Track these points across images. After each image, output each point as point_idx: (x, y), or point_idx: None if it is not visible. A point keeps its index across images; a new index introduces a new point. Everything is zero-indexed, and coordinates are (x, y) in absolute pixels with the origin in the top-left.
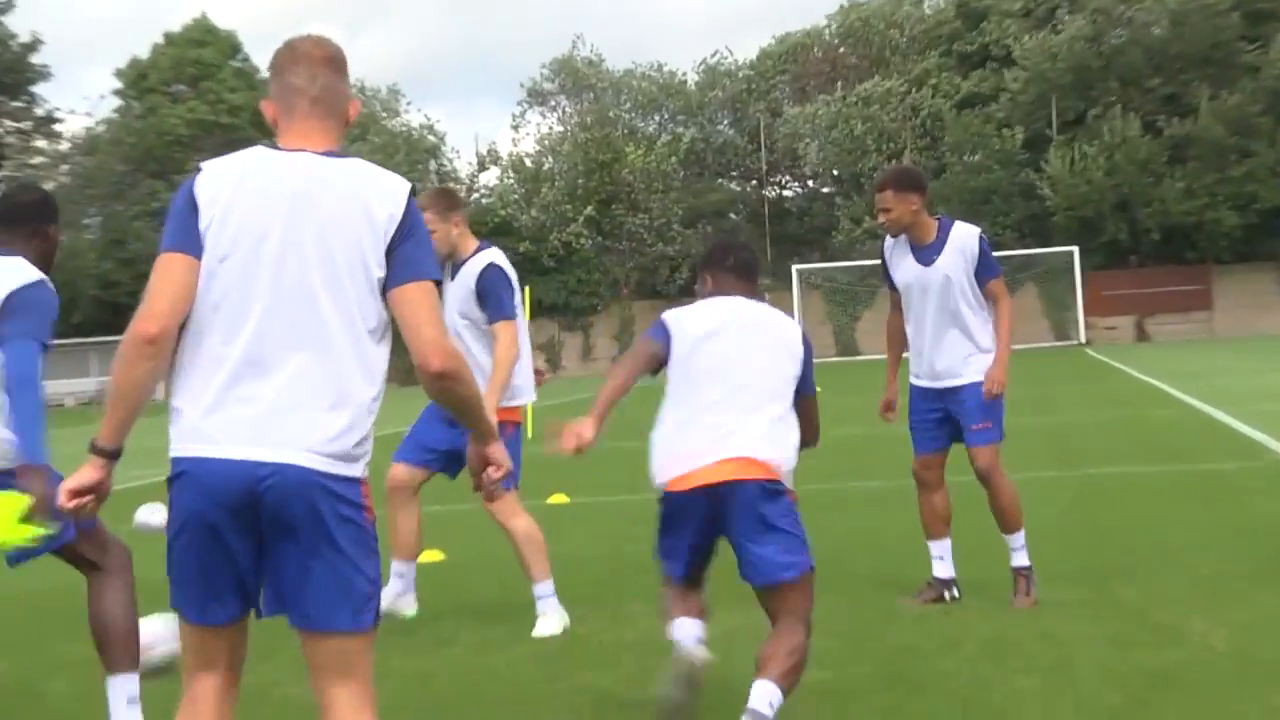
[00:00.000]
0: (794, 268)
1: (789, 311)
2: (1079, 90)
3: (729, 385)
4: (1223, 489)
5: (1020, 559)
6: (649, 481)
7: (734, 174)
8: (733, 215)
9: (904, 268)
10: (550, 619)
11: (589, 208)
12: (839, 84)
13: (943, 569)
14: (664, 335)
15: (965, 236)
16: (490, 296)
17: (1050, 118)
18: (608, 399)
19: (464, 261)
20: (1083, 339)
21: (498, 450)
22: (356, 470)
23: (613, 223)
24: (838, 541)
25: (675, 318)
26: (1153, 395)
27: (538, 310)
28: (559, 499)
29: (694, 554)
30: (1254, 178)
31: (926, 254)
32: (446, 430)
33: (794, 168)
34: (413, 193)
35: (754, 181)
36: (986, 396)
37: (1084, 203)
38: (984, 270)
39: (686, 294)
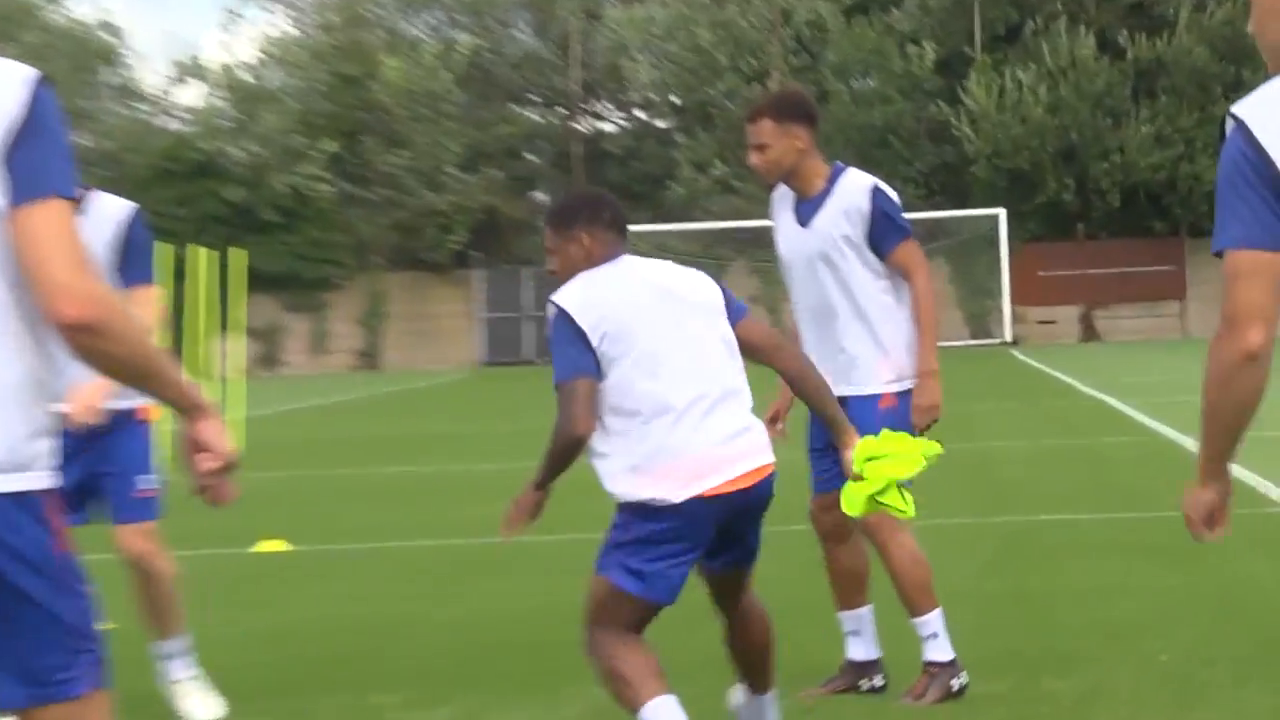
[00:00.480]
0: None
1: None
2: None
3: (699, 368)
4: (1193, 546)
5: (934, 651)
6: (384, 524)
7: (534, 98)
8: (529, 155)
9: (781, 229)
10: (196, 701)
11: (329, 141)
12: None
13: (860, 648)
14: (583, 346)
15: (853, 189)
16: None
17: (972, 31)
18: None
19: None
20: (1009, 336)
21: (211, 430)
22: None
23: (362, 162)
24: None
25: (580, 310)
26: (1103, 415)
27: (251, 283)
28: (273, 545)
29: (688, 569)
30: None
31: (806, 210)
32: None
33: (618, 92)
34: (44, 82)
35: (562, 109)
36: (917, 427)
37: (1016, 149)
38: (883, 234)
39: (462, 264)
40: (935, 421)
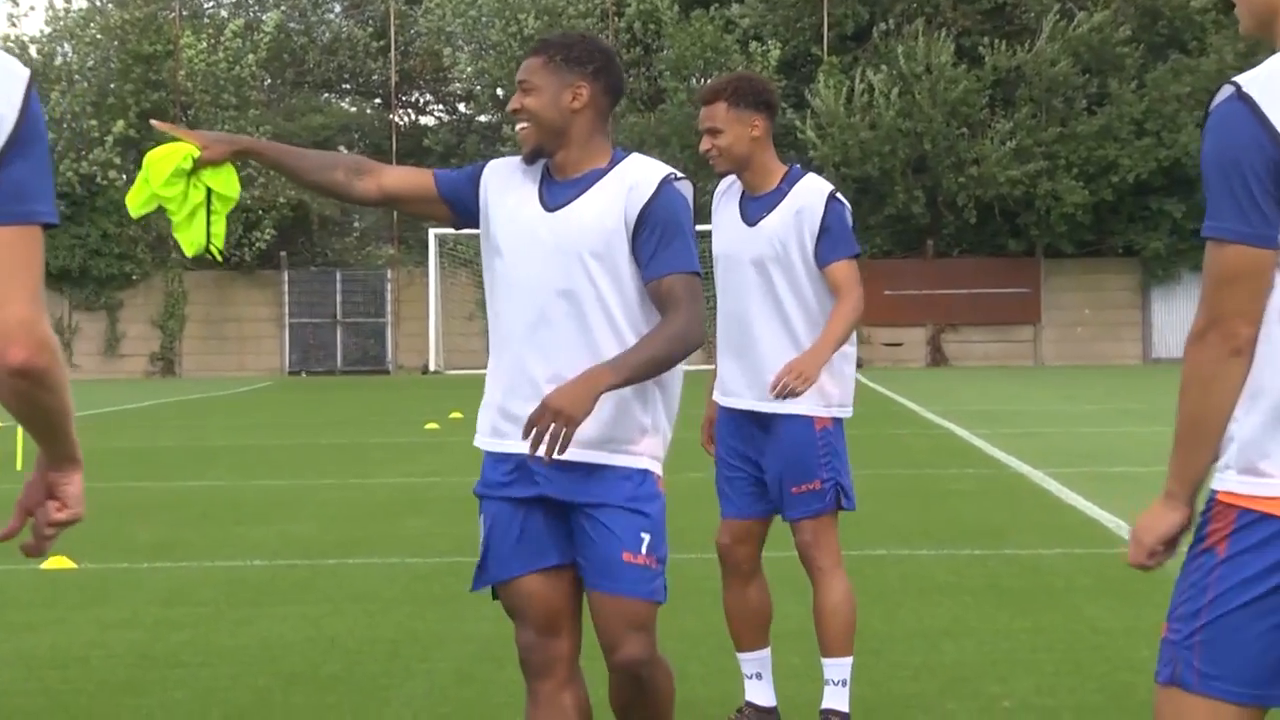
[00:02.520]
0: (431, 233)
1: (423, 298)
2: None
3: None
4: (1040, 586)
5: (837, 699)
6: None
7: (348, 87)
8: (342, 147)
9: (724, 224)
10: None
11: (123, 124)
12: None
13: (762, 693)
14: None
15: (810, 194)
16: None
17: (820, 30)
18: None
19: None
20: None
21: (77, 485)
22: None
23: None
24: (483, 645)
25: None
26: (950, 446)
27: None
28: (58, 562)
29: None
30: (1112, 135)
31: (755, 208)
32: None
33: (438, 81)
34: (35, 82)
35: (378, 100)
36: (777, 388)
37: (864, 156)
38: (831, 245)
39: (268, 264)
40: (793, 387)
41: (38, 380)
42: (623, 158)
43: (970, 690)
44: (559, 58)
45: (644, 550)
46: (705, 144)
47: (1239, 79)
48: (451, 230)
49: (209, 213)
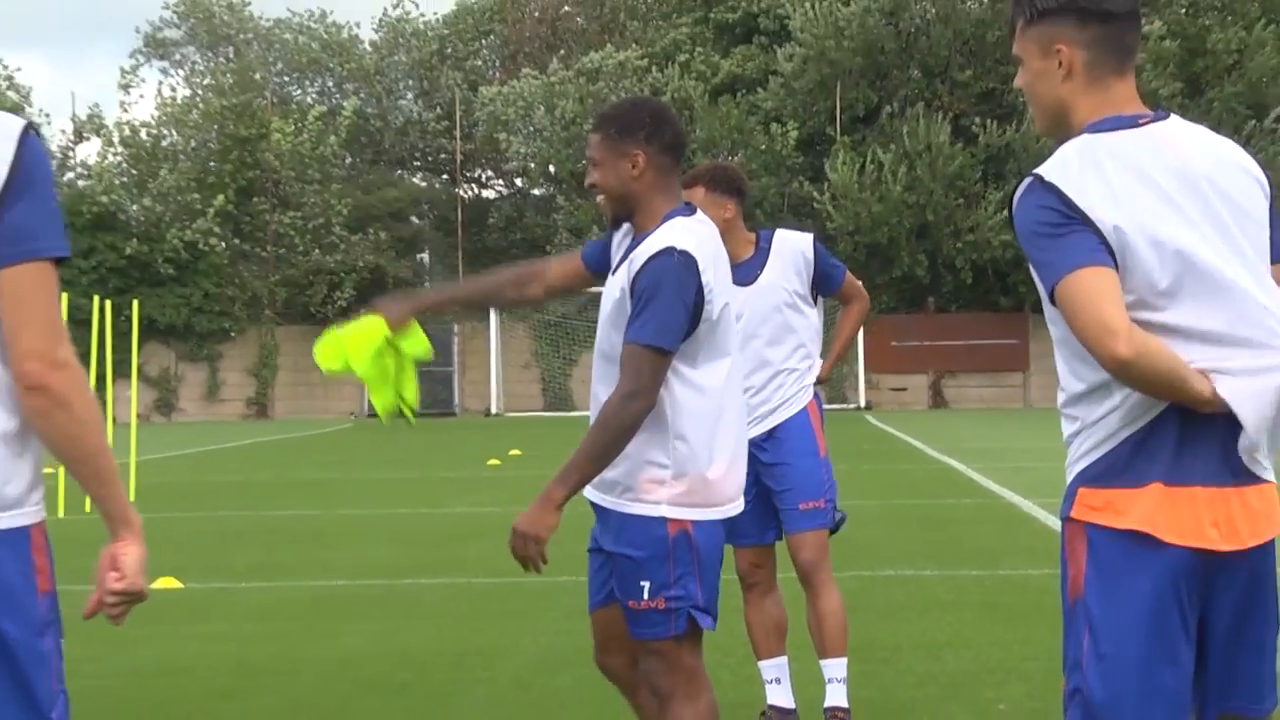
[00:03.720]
0: None
1: (485, 349)
2: (871, 79)
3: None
4: (1030, 603)
5: (840, 696)
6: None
7: (419, 164)
8: (414, 218)
9: None
10: None
11: (222, 199)
12: (560, 53)
13: (783, 696)
14: (687, 317)
15: (795, 245)
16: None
17: (833, 112)
18: None
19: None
20: (863, 402)
21: (132, 554)
22: None
23: (254, 221)
24: (539, 656)
25: (703, 265)
26: (949, 479)
27: (148, 332)
28: (164, 582)
29: None
30: None
31: (743, 272)
32: None
33: (498, 159)
34: (31, 131)
35: (445, 176)
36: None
37: (875, 225)
38: (827, 275)
39: (349, 319)
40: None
41: (57, 400)
42: (666, 221)
43: (969, 695)
44: (613, 131)
45: (646, 596)
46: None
47: (1039, 169)
48: None
49: (399, 374)
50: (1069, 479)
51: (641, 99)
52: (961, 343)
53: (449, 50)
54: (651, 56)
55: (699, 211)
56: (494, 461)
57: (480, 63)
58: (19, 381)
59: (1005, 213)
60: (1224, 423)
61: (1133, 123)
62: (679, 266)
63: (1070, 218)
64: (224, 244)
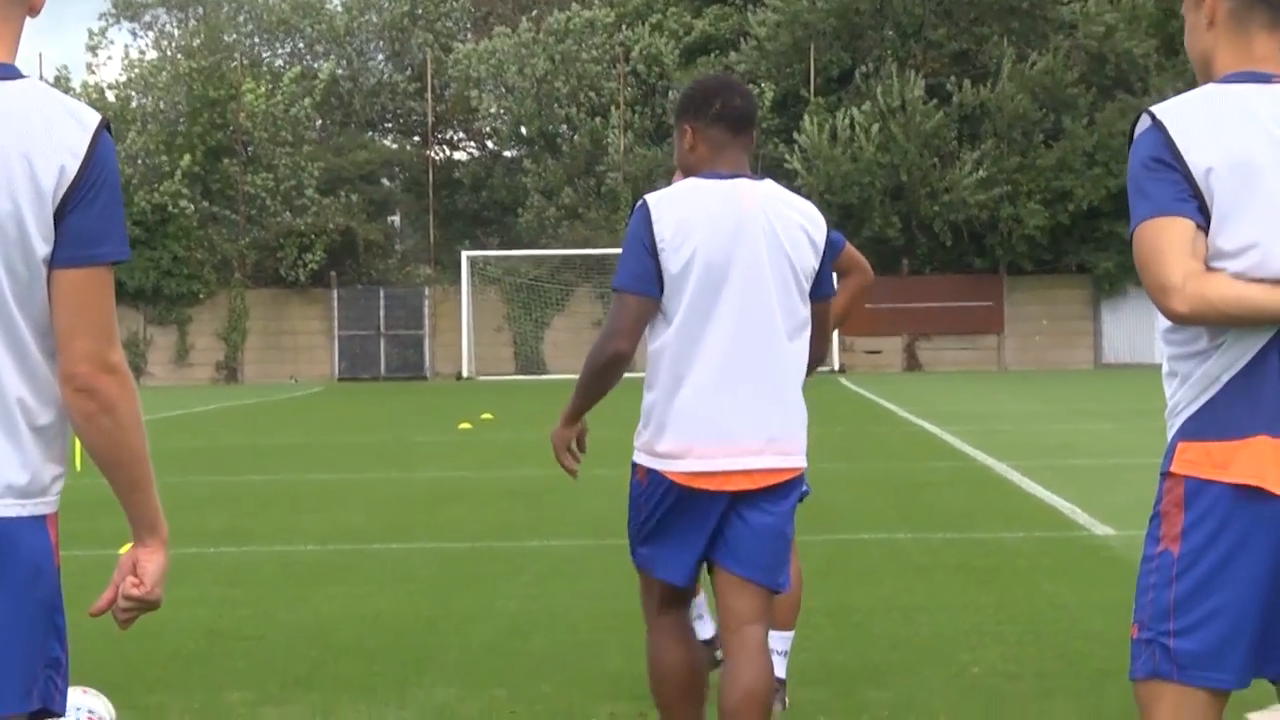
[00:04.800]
0: (464, 254)
1: (456, 312)
2: (846, 40)
3: (753, 329)
4: (1004, 566)
5: (779, 667)
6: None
7: (390, 126)
8: (385, 180)
9: None
10: None
11: (189, 159)
12: (532, 14)
13: (706, 628)
14: (650, 261)
15: None
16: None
17: (808, 73)
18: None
19: None
20: (837, 365)
21: (155, 563)
22: None
23: (224, 183)
24: (510, 621)
25: (658, 215)
26: (924, 442)
27: (116, 296)
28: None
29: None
30: (1067, 166)
31: None
32: None
33: (469, 121)
34: (105, 127)
35: (417, 137)
36: None
37: (846, 185)
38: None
39: (320, 282)
40: None
41: (104, 404)
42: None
43: (943, 659)
44: (674, 115)
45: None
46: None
47: (1153, 108)
48: (482, 252)
49: None
50: (1169, 435)
51: (703, 78)
52: (936, 305)
53: (420, 11)
54: (621, 15)
55: (743, 179)
56: (465, 425)
57: (451, 24)
58: (68, 383)
59: (980, 172)
60: None
61: (1265, 79)
62: (637, 213)
63: (1162, 161)
64: (193, 206)
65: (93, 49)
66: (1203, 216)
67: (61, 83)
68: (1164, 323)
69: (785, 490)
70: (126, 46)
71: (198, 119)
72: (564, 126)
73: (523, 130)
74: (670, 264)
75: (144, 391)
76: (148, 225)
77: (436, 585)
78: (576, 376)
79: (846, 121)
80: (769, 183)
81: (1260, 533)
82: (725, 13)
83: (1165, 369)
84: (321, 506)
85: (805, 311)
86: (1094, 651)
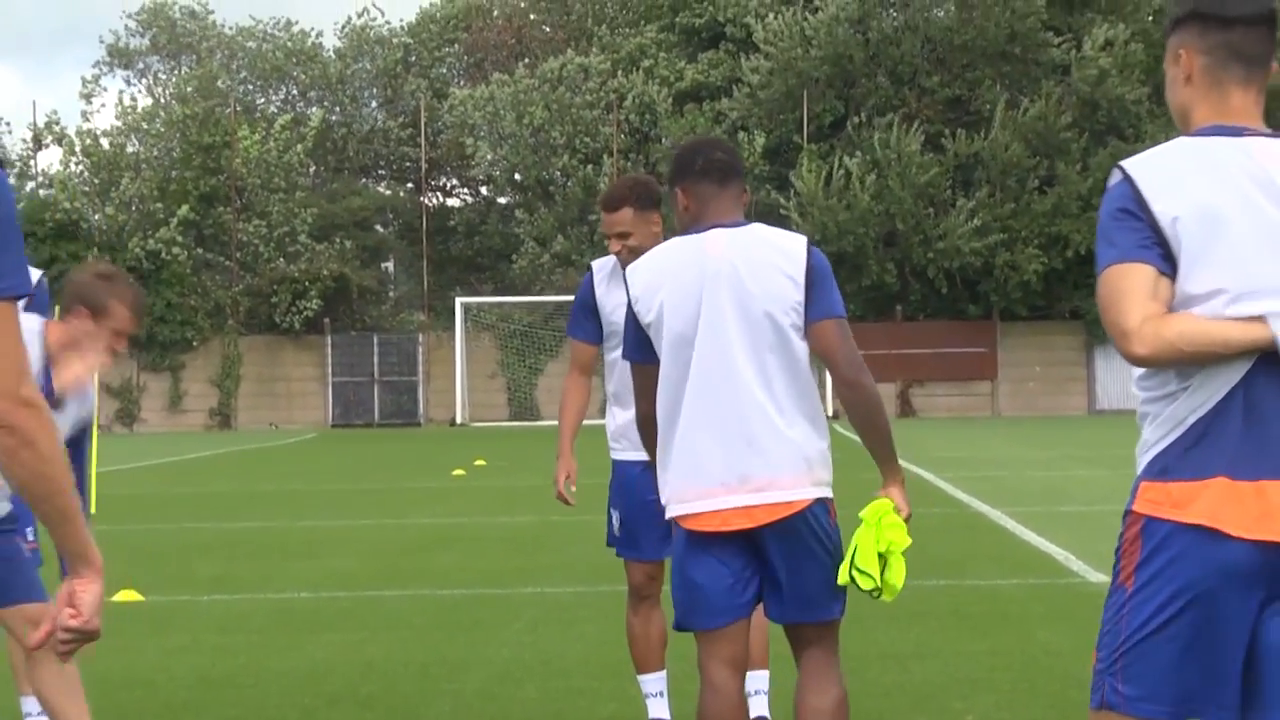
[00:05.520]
0: (458, 300)
1: (450, 358)
2: (839, 88)
3: (719, 376)
4: (997, 612)
5: (760, 706)
6: (244, 577)
7: (384, 173)
8: (379, 227)
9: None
10: None
11: (186, 208)
12: (525, 61)
13: (663, 708)
14: (635, 326)
15: None
16: None
17: (800, 121)
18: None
19: None
20: (831, 411)
21: (91, 594)
22: None
23: (218, 229)
24: (503, 668)
25: (632, 279)
26: (917, 488)
27: None
28: (125, 595)
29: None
30: (1061, 211)
31: None
32: None
33: (463, 168)
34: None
35: (410, 184)
36: None
37: (841, 234)
38: None
39: (313, 329)
40: None
41: (24, 438)
42: None
43: (936, 706)
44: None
45: None
46: (615, 246)
47: (1123, 161)
48: (476, 299)
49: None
50: (1136, 473)
51: (683, 142)
52: (929, 351)
53: (413, 58)
54: (616, 61)
55: (718, 229)
56: (459, 472)
57: (445, 70)
58: None
59: (975, 221)
60: None
61: (1237, 132)
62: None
63: (1128, 211)
64: (187, 253)
65: (86, 96)
66: (1168, 264)
67: (53, 128)
68: (1137, 370)
69: (791, 525)
70: (121, 93)
71: (191, 165)
72: (558, 174)
73: (517, 177)
74: (645, 321)
75: (136, 438)
76: (142, 272)
77: (429, 632)
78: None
79: (841, 171)
80: (754, 227)
81: (1211, 574)
82: (718, 59)
83: (1139, 411)
84: (314, 553)
85: (794, 346)
86: (1088, 700)
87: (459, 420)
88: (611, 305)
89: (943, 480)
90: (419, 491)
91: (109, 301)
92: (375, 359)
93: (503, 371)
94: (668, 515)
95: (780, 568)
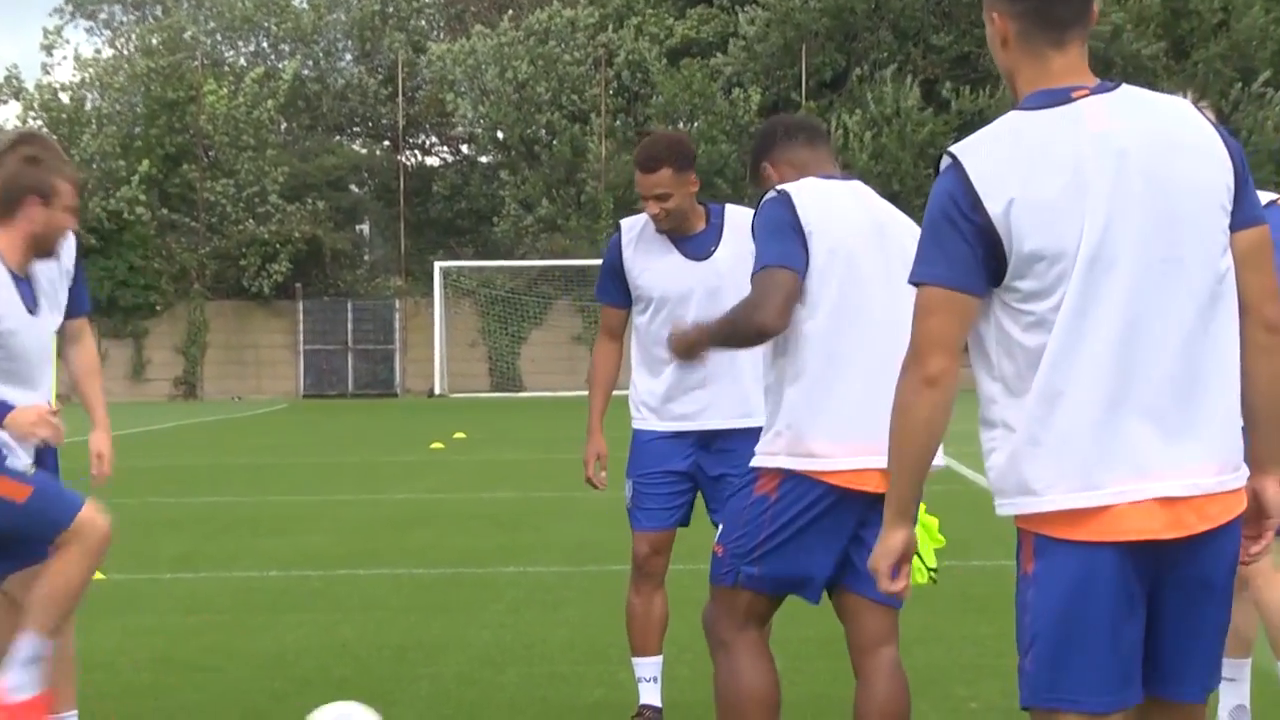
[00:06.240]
0: (436, 265)
1: (428, 326)
2: (840, 42)
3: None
4: (1004, 594)
5: None
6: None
7: (359, 130)
8: (354, 187)
9: (659, 266)
10: None
11: (147, 164)
12: (509, 14)
13: (655, 694)
14: (798, 233)
15: (748, 223)
16: None
17: (799, 76)
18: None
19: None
20: None
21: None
22: None
23: (183, 189)
24: (484, 651)
25: (800, 203)
26: None
27: None
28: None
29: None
30: None
31: (696, 246)
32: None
33: (442, 126)
34: None
35: (387, 142)
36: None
37: None
38: None
39: (284, 294)
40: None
41: None
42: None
43: (940, 692)
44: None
45: (716, 539)
46: (653, 208)
47: (953, 146)
48: (456, 263)
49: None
50: None
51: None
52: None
53: (390, 9)
54: (605, 15)
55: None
56: (437, 445)
57: (424, 23)
58: None
59: None
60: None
61: (1064, 97)
62: (776, 203)
63: (961, 215)
64: (150, 213)
65: (48, 48)
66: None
67: (13, 83)
68: None
69: None
70: (78, 46)
71: (155, 121)
72: (543, 132)
73: (500, 136)
74: (817, 250)
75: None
76: (103, 233)
77: (405, 613)
78: (554, 395)
79: (839, 129)
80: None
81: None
82: (709, 14)
83: None
84: (284, 530)
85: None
86: None
87: (437, 391)
88: (639, 269)
89: (947, 456)
90: (395, 465)
91: (54, 181)
92: (349, 326)
93: (484, 340)
94: (816, 469)
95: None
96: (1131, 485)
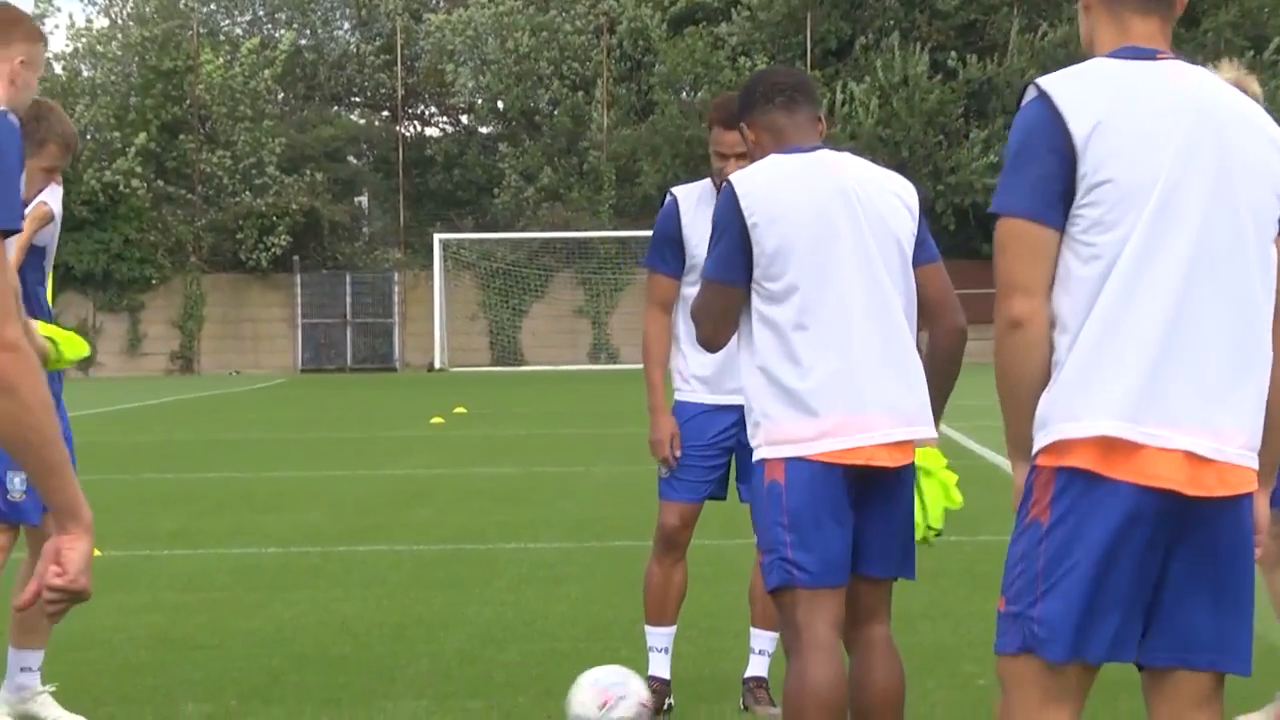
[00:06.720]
0: (436, 237)
1: (428, 299)
2: (845, 9)
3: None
4: None
5: (760, 667)
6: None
7: (357, 100)
8: (352, 158)
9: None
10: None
11: (144, 136)
12: None
13: (665, 666)
14: (741, 236)
15: None
16: None
17: (805, 45)
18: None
19: None
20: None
21: (78, 552)
22: None
23: (179, 160)
24: (484, 628)
25: (747, 198)
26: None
27: (64, 281)
28: None
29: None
30: None
31: None
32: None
33: (442, 96)
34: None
35: (385, 112)
36: None
37: None
38: None
39: (282, 267)
40: None
41: (3, 385)
42: None
43: (947, 669)
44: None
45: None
46: (731, 167)
47: (1040, 79)
48: (456, 235)
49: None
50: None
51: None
52: None
53: None
54: None
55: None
56: (437, 420)
57: None
58: None
59: (991, 156)
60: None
61: (1149, 54)
62: None
63: (1044, 140)
64: (146, 186)
65: (39, 17)
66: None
67: None
68: None
69: (911, 469)
70: (69, 15)
71: (150, 91)
72: (544, 102)
73: (500, 106)
74: (765, 240)
75: (93, 383)
76: (97, 206)
77: (405, 590)
78: (556, 368)
79: (845, 97)
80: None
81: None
82: None
83: None
84: (282, 506)
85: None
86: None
87: (437, 365)
88: (699, 237)
89: (954, 430)
90: (394, 441)
91: (44, 138)
92: (348, 299)
93: (484, 313)
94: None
95: (880, 517)
96: (1165, 432)
